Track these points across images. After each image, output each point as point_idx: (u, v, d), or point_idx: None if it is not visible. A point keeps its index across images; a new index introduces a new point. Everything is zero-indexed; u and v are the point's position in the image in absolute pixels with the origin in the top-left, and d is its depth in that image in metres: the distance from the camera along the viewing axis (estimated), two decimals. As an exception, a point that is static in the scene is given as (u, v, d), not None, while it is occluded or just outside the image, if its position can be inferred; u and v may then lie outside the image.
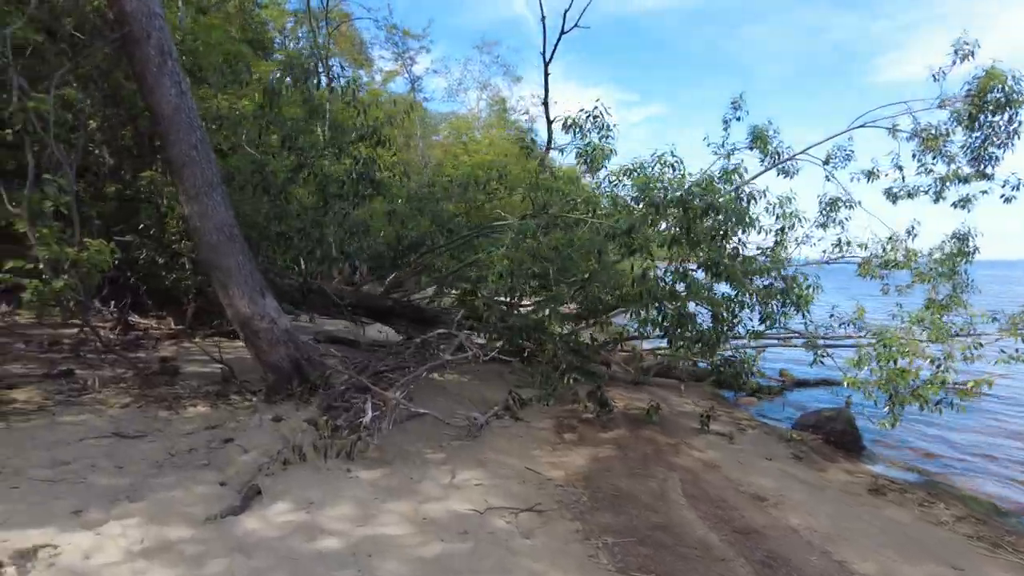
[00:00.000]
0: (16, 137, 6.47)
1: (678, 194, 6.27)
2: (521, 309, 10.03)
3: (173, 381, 7.47)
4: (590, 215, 7.00)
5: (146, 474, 4.61)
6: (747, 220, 6.68)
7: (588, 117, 7.36)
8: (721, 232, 6.49)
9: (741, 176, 8.09)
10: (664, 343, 10.07)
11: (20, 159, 6.41)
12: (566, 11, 9.98)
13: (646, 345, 11.27)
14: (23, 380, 6.92)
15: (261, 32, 10.85)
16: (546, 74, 10.12)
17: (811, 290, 6.81)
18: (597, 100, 7.27)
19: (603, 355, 10.30)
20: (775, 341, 9.12)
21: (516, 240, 6.65)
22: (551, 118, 9.93)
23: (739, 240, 6.87)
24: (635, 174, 7.02)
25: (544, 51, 9.89)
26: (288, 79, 7.20)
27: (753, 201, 7.01)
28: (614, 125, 7.26)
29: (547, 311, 7.84)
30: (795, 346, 9.03)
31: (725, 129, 9.69)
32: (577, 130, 7.39)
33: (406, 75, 25.78)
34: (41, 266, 6.30)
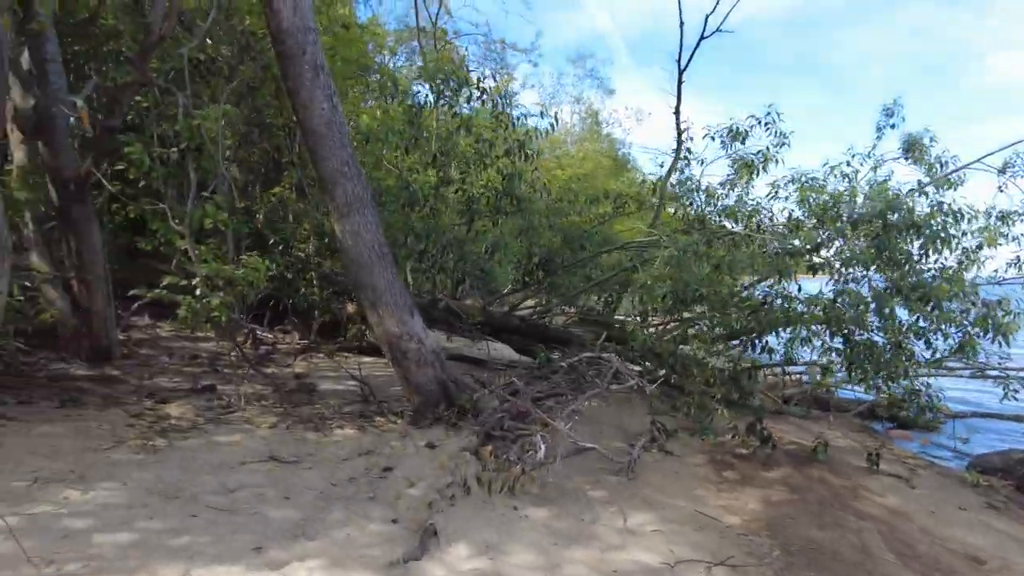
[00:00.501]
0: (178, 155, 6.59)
1: (878, 208, 5.62)
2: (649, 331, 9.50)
3: (312, 399, 7.39)
4: (754, 231, 6.43)
5: (314, 506, 4.39)
6: (950, 238, 5.92)
7: (759, 123, 6.79)
8: (922, 252, 5.77)
9: (891, 188, 7.30)
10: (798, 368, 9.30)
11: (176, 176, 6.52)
12: (708, 15, 9.40)
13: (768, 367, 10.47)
14: (172, 395, 7.01)
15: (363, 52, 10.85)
16: (679, 82, 9.58)
17: (1018, 317, 5.95)
18: (769, 106, 6.71)
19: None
20: (961, 371, 8.16)
21: (677, 258, 6.14)
22: (682, 127, 9.38)
23: (938, 260, 6.11)
24: (807, 185, 6.39)
25: (679, 57, 9.38)
26: (433, 94, 7.04)
27: (958, 218, 6.22)
28: (790, 132, 6.68)
29: (694, 334, 7.27)
30: (988, 377, 8.05)
31: (878, 137, 8.85)
32: (740, 138, 6.84)
33: (506, 90, 25.59)
34: (195, 282, 6.34)
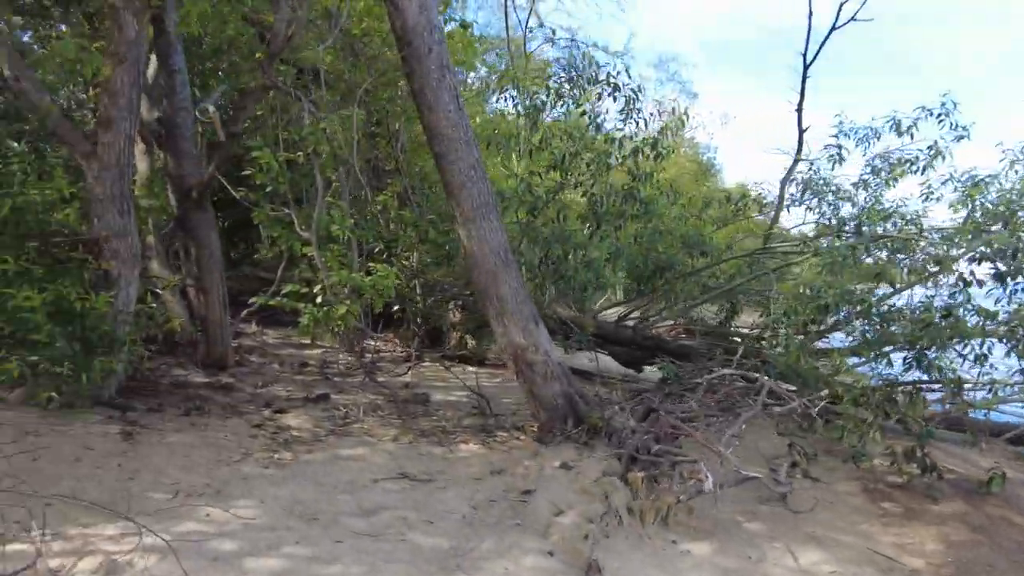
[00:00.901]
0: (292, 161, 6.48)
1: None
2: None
3: (428, 410, 7.15)
4: (915, 235, 5.76)
5: (461, 533, 4.07)
6: None
7: (930, 115, 6.12)
8: None
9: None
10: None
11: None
12: (843, 3, 8.70)
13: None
14: (288, 404, 6.90)
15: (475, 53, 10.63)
16: (804, 77, 8.90)
17: None
18: (944, 95, 6.01)
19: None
20: None
21: (833, 266, 5.55)
22: (803, 126, 8.71)
23: None
24: (978, 183, 5.67)
25: (805, 51, 8.72)
26: (550, 95, 6.72)
27: None
28: (972, 124, 5.97)
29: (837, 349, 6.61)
30: None
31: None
32: (904, 132, 6.17)
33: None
34: (315, 290, 6.19)
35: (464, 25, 7.54)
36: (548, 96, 6.80)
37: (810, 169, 7.98)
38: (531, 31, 18.42)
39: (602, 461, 5.20)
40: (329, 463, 5.19)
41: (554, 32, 15.98)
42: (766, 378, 5.44)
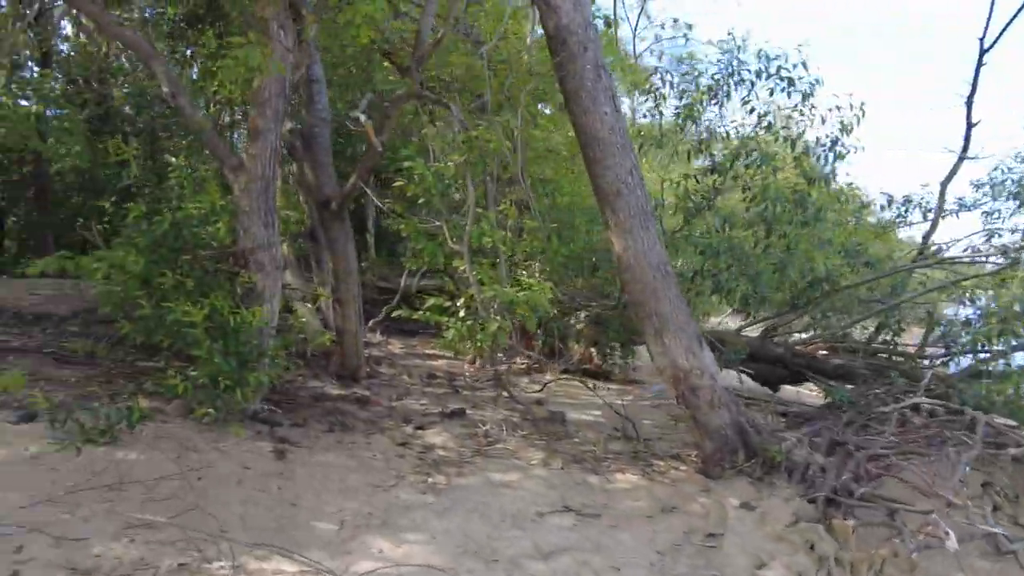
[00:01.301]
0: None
1: None
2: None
3: (567, 431, 6.76)
4: None
5: (657, 586, 3.64)
6: None
7: None
8: None
9: None
10: None
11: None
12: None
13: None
14: (425, 419, 6.68)
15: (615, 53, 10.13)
16: (979, 65, 7.90)
17: None
18: None
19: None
20: None
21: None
22: (972, 121, 7.74)
23: None
24: None
25: (983, 35, 7.75)
26: (706, 93, 6.21)
27: None
28: None
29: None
30: None
31: None
32: None
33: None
34: (458, 303, 5.91)
35: (608, 23, 7.10)
36: (703, 92, 6.26)
37: (997, 170, 7.04)
38: (640, 31, 17.73)
39: (788, 502, 4.62)
40: (485, 490, 4.87)
41: (690, 27, 15.15)
42: (977, 412, 4.68)
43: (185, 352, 5.56)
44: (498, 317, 5.23)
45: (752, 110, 6.03)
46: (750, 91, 5.97)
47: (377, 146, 5.56)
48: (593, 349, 9.42)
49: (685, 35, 18.55)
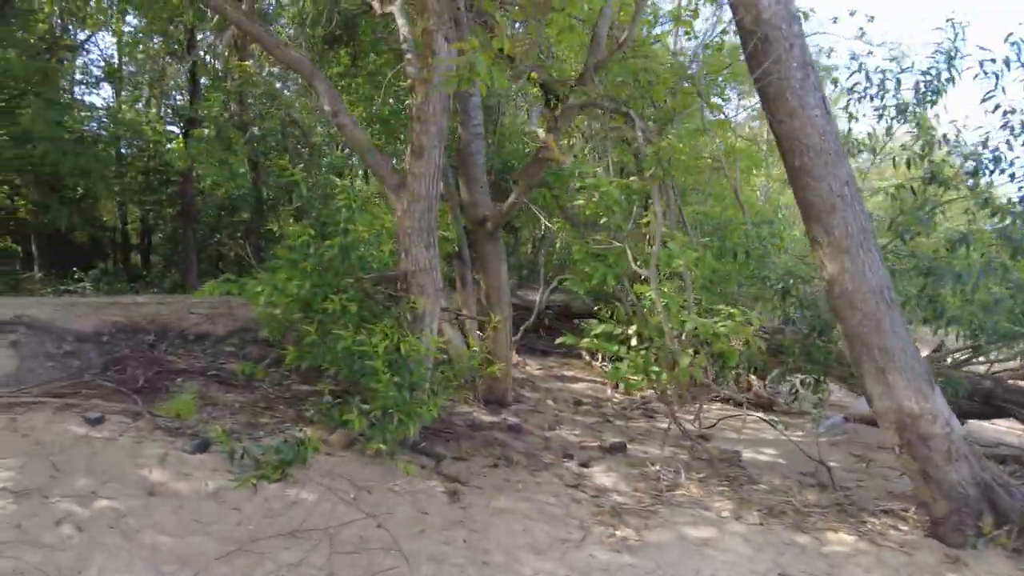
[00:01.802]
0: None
1: None
2: None
3: (748, 474, 6.04)
4: None
5: None
6: None
7: None
8: None
9: None
10: None
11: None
12: None
13: None
14: (587, 455, 6.17)
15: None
16: None
17: None
18: None
19: None
20: None
21: None
22: None
23: None
24: None
25: None
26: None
27: None
28: None
29: None
30: None
31: None
32: None
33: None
34: (630, 331, 5.36)
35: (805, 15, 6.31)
36: (929, 89, 5.37)
37: None
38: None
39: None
40: (683, 549, 4.28)
41: (834, 20, 13.95)
42: None
43: (352, 380, 5.34)
44: (690, 350, 4.62)
45: (997, 107, 5.11)
46: (996, 83, 5.05)
47: (563, 160, 5.13)
48: (753, 377, 8.60)
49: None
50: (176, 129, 18.96)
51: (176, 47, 18.32)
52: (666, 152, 4.74)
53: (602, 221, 4.86)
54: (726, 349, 4.53)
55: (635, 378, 5.32)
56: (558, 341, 5.98)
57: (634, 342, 5.48)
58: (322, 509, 4.11)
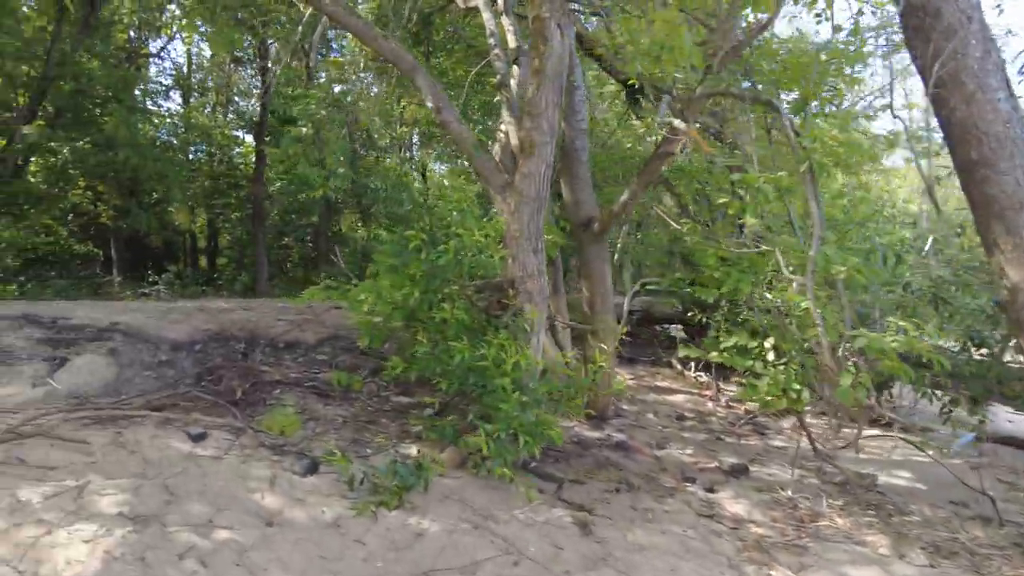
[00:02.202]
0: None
1: None
2: None
3: (893, 502, 5.43)
4: None
5: None
6: None
7: None
8: None
9: None
10: None
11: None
12: None
13: None
14: (707, 477, 5.67)
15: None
16: None
17: None
18: None
19: None
20: None
21: None
22: None
23: None
24: None
25: None
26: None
27: None
28: None
29: None
30: None
31: None
32: None
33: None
34: (767, 344, 4.81)
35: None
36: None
37: None
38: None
39: None
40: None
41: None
42: None
43: (462, 394, 4.98)
44: (852, 368, 4.08)
45: None
46: None
47: (711, 153, 4.65)
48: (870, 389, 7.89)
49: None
50: (241, 134, 19.22)
51: (241, 55, 18.57)
52: (821, 144, 4.20)
53: (751, 222, 4.35)
54: (896, 367, 3.96)
55: (774, 397, 4.79)
56: (682, 354, 5.49)
57: (771, 357, 4.95)
58: (450, 543, 3.74)
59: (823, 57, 5.40)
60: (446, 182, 20.66)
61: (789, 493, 5.31)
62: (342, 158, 10.93)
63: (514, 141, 6.01)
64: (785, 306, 4.68)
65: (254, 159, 16.39)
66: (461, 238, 4.78)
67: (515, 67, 7.63)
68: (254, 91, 20.34)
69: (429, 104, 5.48)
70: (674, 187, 5.97)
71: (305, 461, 4.48)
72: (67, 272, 14.08)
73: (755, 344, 4.94)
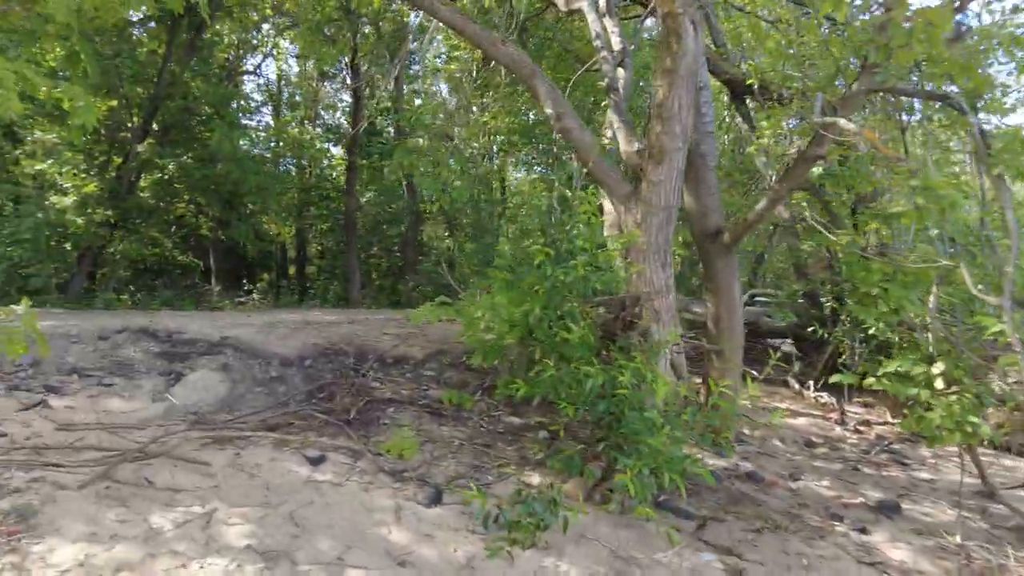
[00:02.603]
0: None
1: None
2: None
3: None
4: None
5: None
6: None
7: None
8: None
9: None
10: None
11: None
12: None
13: None
14: (855, 515, 5.09)
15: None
16: None
17: None
18: None
19: None
20: None
21: None
22: None
23: None
24: None
25: None
26: None
27: None
28: None
29: None
30: None
31: None
32: None
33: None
34: (935, 370, 4.22)
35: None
36: None
37: None
38: None
39: None
40: None
41: None
42: None
43: (594, 421, 4.62)
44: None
45: None
46: None
47: (894, 156, 4.14)
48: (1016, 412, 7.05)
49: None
50: (329, 146, 19.64)
51: (328, 70, 18.97)
52: (1013, 146, 3.63)
53: (932, 232, 3.81)
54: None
55: (946, 431, 4.20)
56: (833, 380, 4.94)
57: (939, 384, 4.35)
58: (594, 592, 3.38)
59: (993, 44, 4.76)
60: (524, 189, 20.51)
61: (958, 539, 4.66)
62: (459, 169, 10.83)
63: (624, 147, 5.64)
64: (964, 330, 4.09)
65: (345, 171, 16.65)
66: (592, 253, 4.44)
67: (620, 70, 7.28)
68: (338, 104, 20.81)
69: (549, 111, 5.18)
70: (821, 193, 5.43)
71: (429, 490, 4.25)
72: (171, 282, 14.68)
73: (920, 371, 4.36)
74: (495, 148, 18.43)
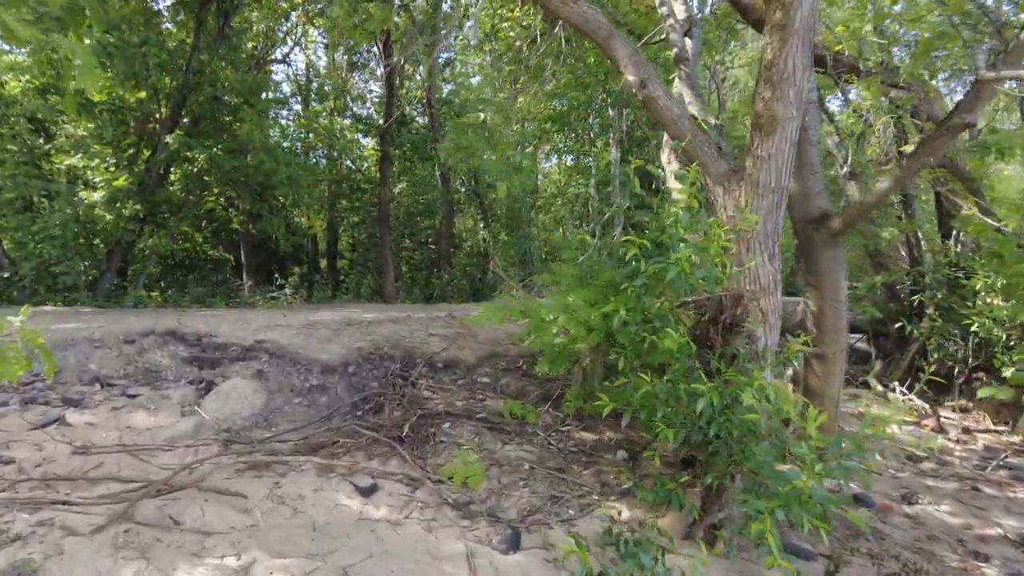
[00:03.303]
0: None
1: None
2: None
3: None
4: None
5: None
6: None
7: None
8: None
9: None
10: None
11: None
12: None
13: None
14: (996, 551, 4.29)
15: None
16: None
17: None
18: None
19: None
20: None
21: None
22: None
23: None
24: None
25: None
26: None
27: None
28: None
29: None
30: None
31: None
32: None
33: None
34: None
35: None
36: None
37: None
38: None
39: None
40: None
41: None
42: None
43: (698, 444, 3.88)
44: None
45: None
46: None
47: None
48: None
49: None
50: (359, 137, 19.03)
51: (357, 59, 18.34)
52: None
53: None
54: None
55: None
56: (982, 395, 4.13)
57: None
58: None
59: None
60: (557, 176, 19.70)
61: None
62: (516, 150, 10.10)
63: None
64: None
65: (378, 161, 16.03)
66: (696, 247, 3.69)
67: (687, 39, 6.51)
68: (367, 95, 20.18)
69: (630, 77, 4.42)
70: (962, 171, 4.61)
71: (505, 531, 3.56)
72: (201, 276, 14.21)
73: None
74: (534, 136, 17.68)
